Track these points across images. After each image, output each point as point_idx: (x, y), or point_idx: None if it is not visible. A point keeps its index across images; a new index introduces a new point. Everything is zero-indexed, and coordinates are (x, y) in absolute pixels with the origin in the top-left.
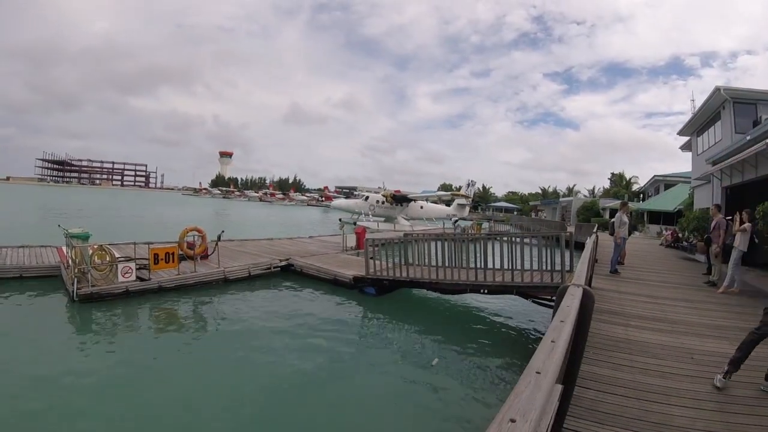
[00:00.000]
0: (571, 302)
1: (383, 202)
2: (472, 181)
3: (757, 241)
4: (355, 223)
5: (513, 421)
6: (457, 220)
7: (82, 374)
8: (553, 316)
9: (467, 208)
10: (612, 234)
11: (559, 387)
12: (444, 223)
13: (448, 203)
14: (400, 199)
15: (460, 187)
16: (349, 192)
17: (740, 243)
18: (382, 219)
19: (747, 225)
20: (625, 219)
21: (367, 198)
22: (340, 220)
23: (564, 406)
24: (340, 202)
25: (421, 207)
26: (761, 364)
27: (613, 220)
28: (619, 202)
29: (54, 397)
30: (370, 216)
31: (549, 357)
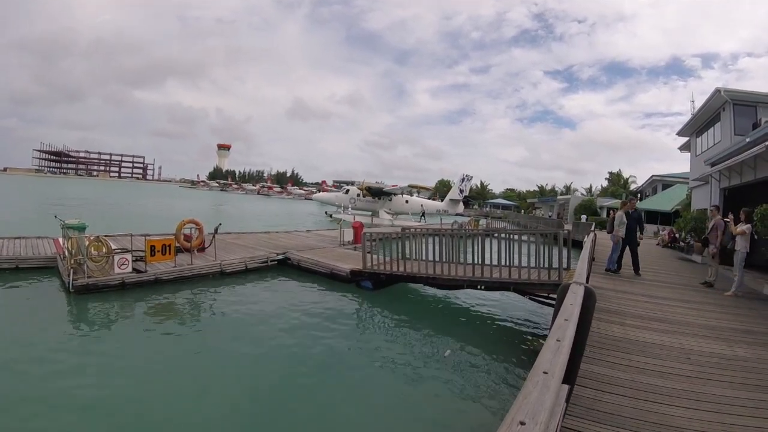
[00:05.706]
0: (574, 300)
1: (364, 195)
2: (467, 175)
3: (756, 237)
4: (331, 215)
5: (523, 423)
6: (423, 214)
7: (77, 366)
8: (554, 315)
9: (460, 204)
10: (610, 232)
11: (566, 387)
12: (441, 219)
13: (442, 197)
14: (376, 192)
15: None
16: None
17: (742, 245)
18: (368, 213)
19: (746, 227)
20: (625, 219)
21: (347, 191)
22: (326, 213)
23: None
24: (321, 195)
25: (406, 201)
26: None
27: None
28: (621, 201)
29: (47, 389)
30: (350, 209)
31: (555, 356)
